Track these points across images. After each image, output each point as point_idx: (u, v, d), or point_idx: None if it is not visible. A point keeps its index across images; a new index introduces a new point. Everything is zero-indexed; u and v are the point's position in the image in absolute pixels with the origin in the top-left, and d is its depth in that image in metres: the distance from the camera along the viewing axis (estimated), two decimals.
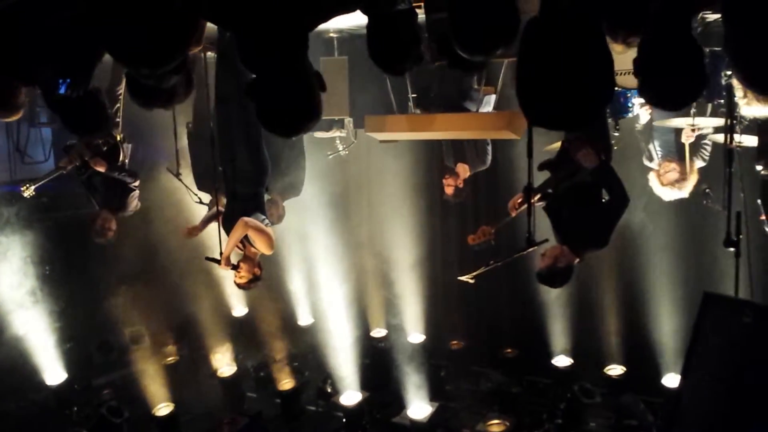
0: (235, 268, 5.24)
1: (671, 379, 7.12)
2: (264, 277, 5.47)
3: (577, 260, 5.51)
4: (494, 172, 7.29)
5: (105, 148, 6.47)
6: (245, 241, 5.14)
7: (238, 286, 5.38)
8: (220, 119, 5.17)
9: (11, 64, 3.44)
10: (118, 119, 6.54)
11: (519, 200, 5.67)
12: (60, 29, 3.20)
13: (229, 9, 3.01)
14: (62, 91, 3.37)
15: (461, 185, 6.69)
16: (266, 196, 5.49)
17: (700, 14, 4.57)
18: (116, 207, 6.74)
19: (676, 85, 2.93)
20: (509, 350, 8.40)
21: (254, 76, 3.11)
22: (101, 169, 6.44)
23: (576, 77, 2.64)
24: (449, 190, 6.74)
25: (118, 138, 6.57)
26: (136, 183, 6.76)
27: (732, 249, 4.66)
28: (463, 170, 6.68)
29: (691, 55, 2.88)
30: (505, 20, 2.85)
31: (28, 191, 6.48)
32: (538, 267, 5.30)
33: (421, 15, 5.10)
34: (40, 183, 6.53)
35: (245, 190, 5.20)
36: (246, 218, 5.04)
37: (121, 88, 6.16)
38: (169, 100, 3.83)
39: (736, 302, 5.32)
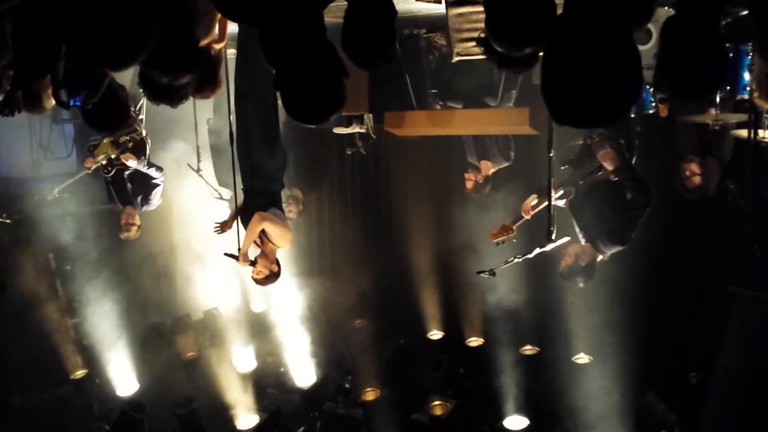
0: (254, 264, 5.23)
1: (694, 376, 7.04)
2: (282, 273, 5.45)
3: (600, 258, 5.49)
4: (515, 168, 7.24)
5: (131, 144, 6.54)
6: (262, 236, 5.13)
7: (256, 282, 5.36)
8: (238, 115, 5.16)
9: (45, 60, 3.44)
10: (142, 116, 6.60)
11: (532, 202, 5.64)
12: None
13: (240, 3, 3.01)
14: (75, 104, 3.37)
15: (481, 180, 6.66)
16: (286, 192, 5.48)
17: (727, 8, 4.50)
18: (141, 202, 6.81)
19: (693, 76, 2.86)
20: (529, 348, 8.35)
21: (275, 70, 3.09)
22: (132, 163, 6.51)
23: (603, 74, 2.59)
24: (469, 185, 6.72)
25: (143, 134, 6.63)
26: (162, 178, 6.81)
27: (756, 245, 4.63)
28: (486, 167, 6.65)
29: (712, 46, 2.80)
30: (543, 12, 2.80)
31: (52, 195, 6.56)
32: (560, 265, 5.27)
33: (441, 9, 5.17)
34: (63, 185, 6.62)
35: (262, 185, 5.18)
36: (261, 213, 5.04)
37: None
38: (178, 99, 3.68)
39: (761, 299, 5.28)
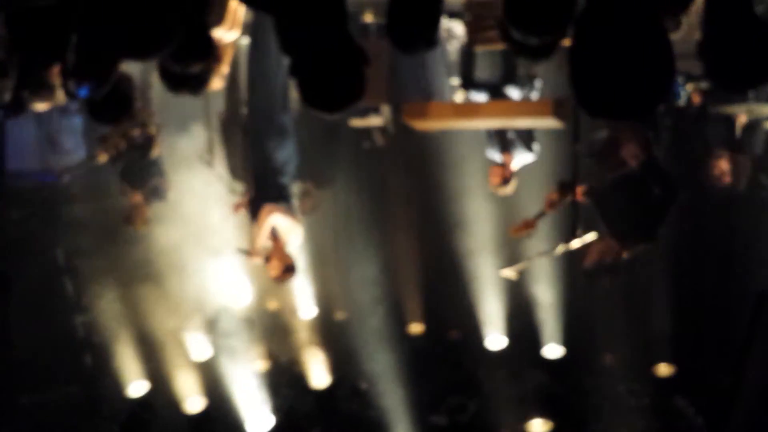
0: (267, 260, 5.14)
1: (723, 380, 6.87)
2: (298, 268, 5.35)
3: (625, 255, 5.36)
4: (537, 162, 7.10)
5: (141, 138, 6.50)
6: (273, 230, 5.05)
7: (274, 279, 5.28)
8: (250, 107, 5.13)
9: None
10: (153, 108, 6.55)
11: (554, 197, 5.53)
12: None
13: None
14: (83, 95, 3.28)
15: (509, 176, 6.51)
16: (298, 186, 5.43)
17: None
18: (150, 195, 6.75)
19: (745, 65, 2.73)
20: (554, 348, 8.21)
21: (291, 57, 3.02)
22: (142, 159, 6.47)
23: (636, 64, 2.46)
24: (495, 181, 6.55)
25: (154, 128, 6.57)
26: (165, 172, 6.75)
27: None
28: (508, 160, 6.50)
29: (758, 32, 2.66)
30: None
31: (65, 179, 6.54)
32: (584, 263, 5.15)
33: None
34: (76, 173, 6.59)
35: (273, 178, 5.09)
36: (270, 206, 4.97)
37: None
38: (198, 87, 3.72)
39: None
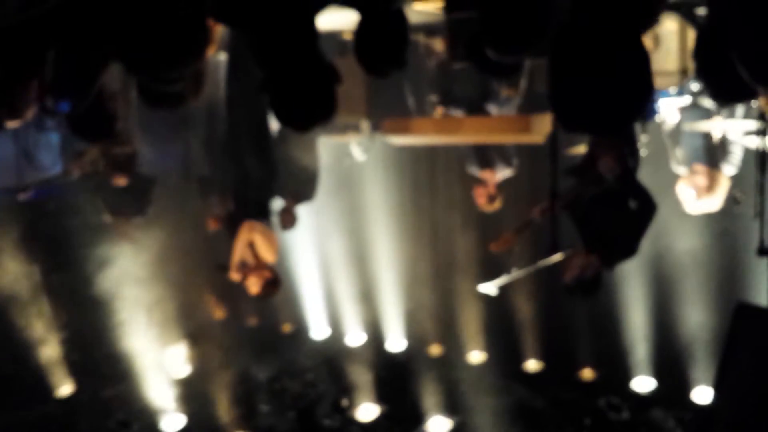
0: (245, 276, 5.12)
1: (702, 393, 6.94)
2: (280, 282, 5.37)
3: (604, 269, 5.37)
4: (516, 177, 7.13)
5: (120, 157, 6.43)
6: (251, 247, 5.04)
7: (255, 295, 5.29)
8: (229, 123, 5.11)
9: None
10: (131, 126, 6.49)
11: (543, 207, 5.55)
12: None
13: (233, 6, 2.95)
14: (64, 109, 3.24)
15: (493, 192, 6.54)
16: (278, 202, 5.43)
17: None
18: (128, 213, 6.68)
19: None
20: (533, 363, 8.21)
21: (266, 74, 3.05)
22: (122, 183, 6.41)
23: (613, 81, 2.49)
24: (481, 200, 6.58)
25: (131, 144, 6.50)
26: (151, 189, 6.68)
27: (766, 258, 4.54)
28: (491, 176, 6.53)
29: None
30: (539, 18, 2.76)
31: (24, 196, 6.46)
32: (565, 278, 5.15)
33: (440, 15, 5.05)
34: (42, 187, 6.50)
35: (252, 194, 5.11)
36: (250, 222, 4.98)
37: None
38: (176, 104, 3.73)
39: None
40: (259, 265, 5.13)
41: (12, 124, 3.68)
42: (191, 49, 2.76)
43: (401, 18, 3.30)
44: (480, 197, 6.60)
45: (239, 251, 5.03)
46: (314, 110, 3.08)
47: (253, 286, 5.17)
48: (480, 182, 6.63)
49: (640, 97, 2.60)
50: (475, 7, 2.89)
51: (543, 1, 2.76)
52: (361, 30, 3.29)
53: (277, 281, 5.27)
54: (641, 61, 2.52)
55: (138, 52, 2.69)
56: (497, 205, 6.70)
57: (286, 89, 3.01)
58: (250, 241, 5.00)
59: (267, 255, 5.09)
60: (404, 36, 3.32)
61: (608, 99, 2.50)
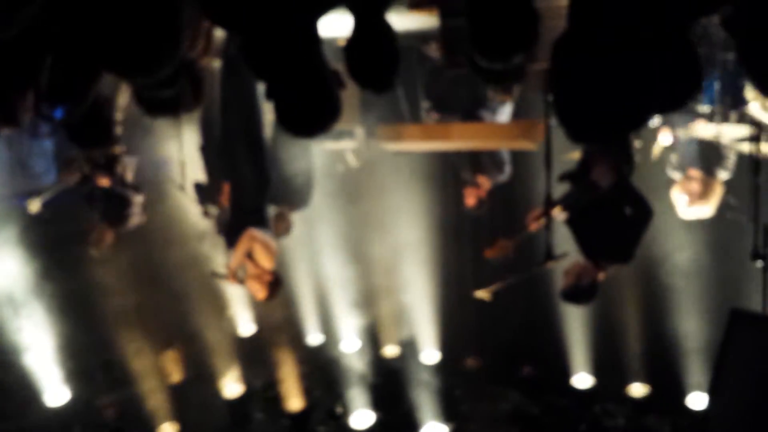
0: (242, 282, 5.10)
1: (697, 399, 6.96)
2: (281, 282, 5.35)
3: (601, 276, 5.36)
4: (510, 184, 7.13)
5: (104, 161, 6.38)
6: (249, 253, 5.01)
7: (262, 299, 5.25)
8: (224, 130, 5.06)
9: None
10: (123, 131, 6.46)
11: (539, 213, 5.55)
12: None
13: (233, 9, 2.89)
14: (59, 116, 3.21)
15: (484, 196, 6.53)
16: (273, 209, 5.39)
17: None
18: (116, 221, 6.64)
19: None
20: (528, 369, 8.20)
21: (263, 81, 3.02)
22: (105, 184, 6.35)
23: (615, 90, 2.45)
24: (471, 201, 6.57)
25: (118, 151, 6.46)
26: (139, 197, 6.63)
27: (760, 263, 4.54)
28: (484, 182, 6.53)
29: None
30: (526, 24, 2.76)
31: (35, 206, 6.40)
32: (561, 285, 5.14)
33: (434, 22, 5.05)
34: (47, 198, 6.46)
35: (249, 202, 5.06)
36: (252, 230, 4.92)
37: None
38: (175, 111, 3.67)
39: (765, 319, 5.14)
40: (258, 272, 5.11)
41: (7, 131, 3.68)
42: (159, 54, 2.69)
43: (390, 34, 3.19)
44: (469, 197, 6.60)
45: (237, 258, 5.01)
46: (319, 116, 3.05)
47: (259, 292, 5.14)
48: (473, 184, 6.62)
49: (644, 103, 2.55)
50: (466, 13, 2.88)
51: (530, 7, 2.76)
52: (352, 45, 3.21)
53: (278, 281, 5.25)
54: (646, 68, 2.47)
55: (107, 56, 2.65)
56: (484, 210, 6.70)
57: (291, 94, 2.98)
58: (249, 249, 4.97)
59: (265, 263, 5.05)
60: (395, 55, 3.22)
61: (612, 107, 2.47)
